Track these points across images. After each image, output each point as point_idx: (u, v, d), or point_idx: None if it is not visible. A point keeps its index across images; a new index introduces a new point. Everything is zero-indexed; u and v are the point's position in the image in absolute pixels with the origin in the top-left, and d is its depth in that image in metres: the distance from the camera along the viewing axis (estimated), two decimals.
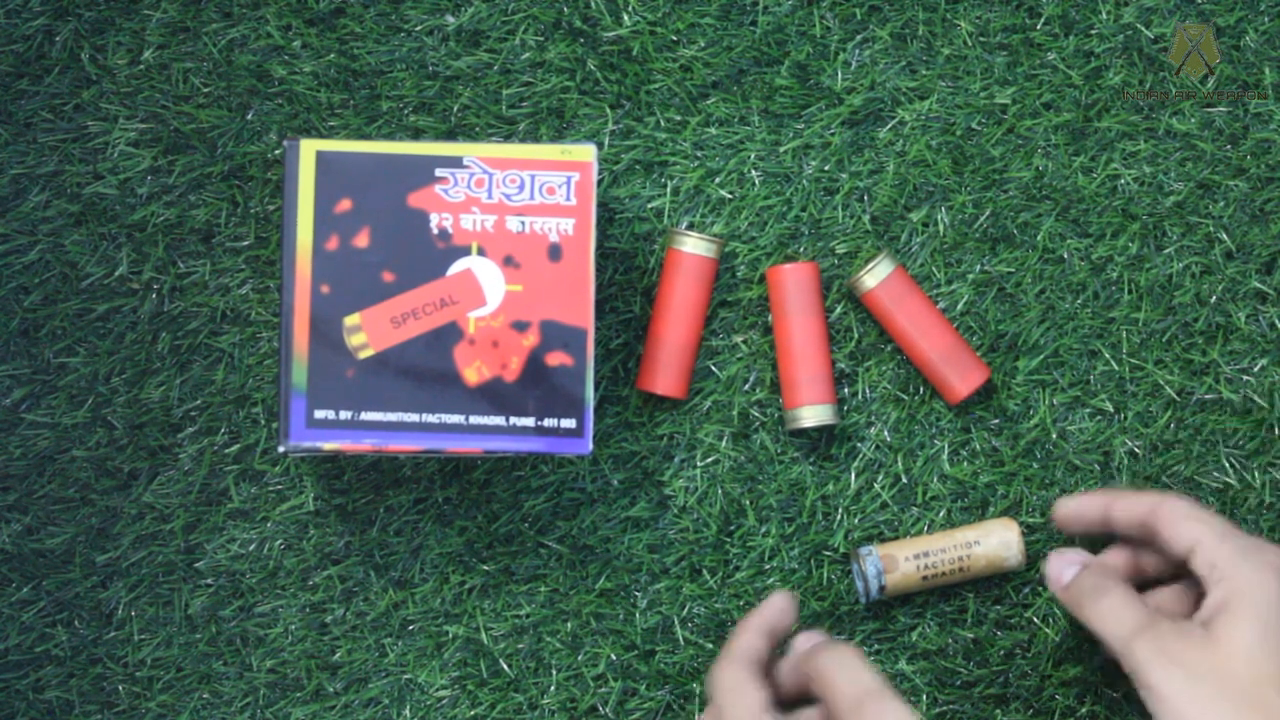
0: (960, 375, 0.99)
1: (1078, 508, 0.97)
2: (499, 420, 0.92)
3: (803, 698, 0.94)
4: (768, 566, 1.00)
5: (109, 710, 1.00)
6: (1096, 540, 1.01)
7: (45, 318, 1.00)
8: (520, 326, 0.92)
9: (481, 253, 0.93)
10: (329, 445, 0.92)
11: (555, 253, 0.93)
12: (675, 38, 1.01)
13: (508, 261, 0.92)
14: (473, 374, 0.92)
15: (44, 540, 1.00)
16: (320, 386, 0.92)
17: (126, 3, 1.00)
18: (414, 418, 0.92)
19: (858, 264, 1.00)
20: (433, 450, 0.92)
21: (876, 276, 0.99)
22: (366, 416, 0.92)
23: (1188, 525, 0.92)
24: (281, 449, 0.92)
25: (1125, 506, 0.95)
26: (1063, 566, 0.96)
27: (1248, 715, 0.87)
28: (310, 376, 0.92)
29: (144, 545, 1.00)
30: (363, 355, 0.92)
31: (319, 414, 0.92)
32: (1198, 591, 0.96)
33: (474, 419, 0.92)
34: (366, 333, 0.92)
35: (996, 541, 0.99)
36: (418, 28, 1.01)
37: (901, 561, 0.98)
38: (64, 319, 1.00)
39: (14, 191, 1.00)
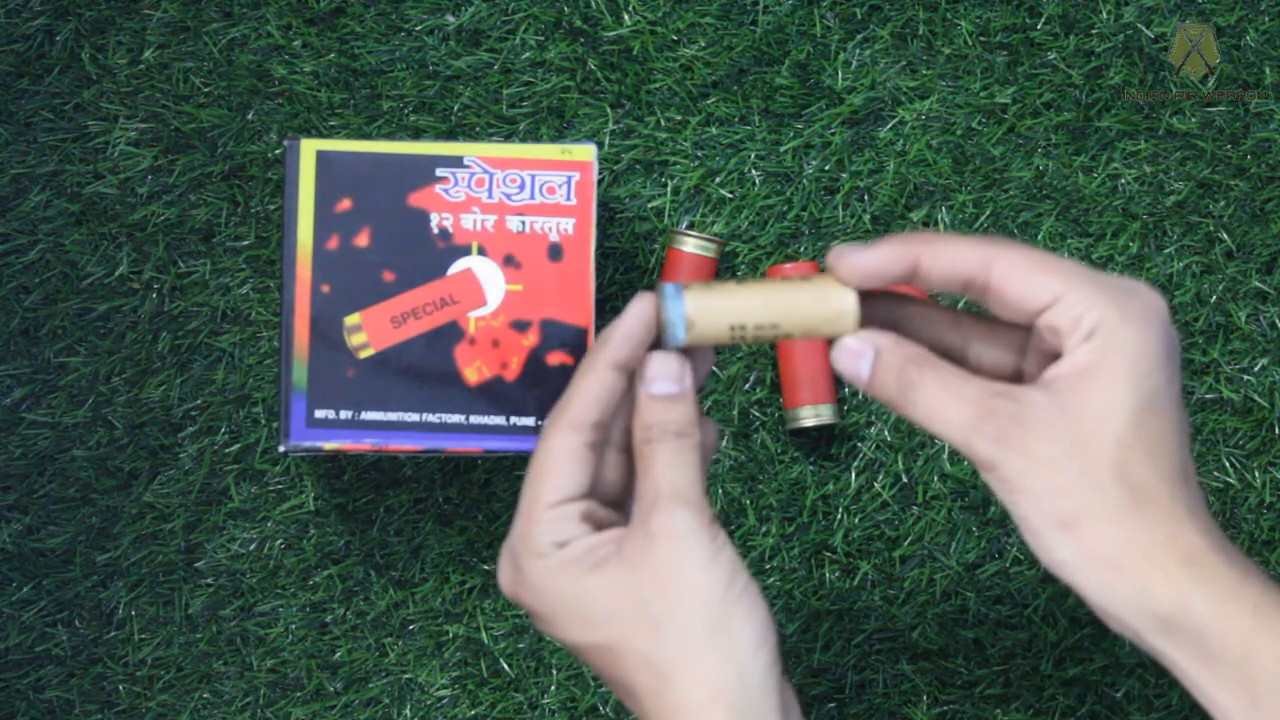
0: None
1: (874, 262, 0.77)
2: (499, 420, 0.92)
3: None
4: (768, 566, 1.00)
5: (109, 710, 1.00)
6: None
7: (45, 317, 1.00)
8: (520, 326, 0.92)
9: (482, 252, 0.93)
10: (329, 445, 0.92)
11: (555, 252, 0.93)
12: (675, 37, 1.01)
13: (508, 261, 0.92)
14: (473, 374, 0.92)
15: (44, 540, 1.00)
16: (320, 386, 0.92)
17: (126, 3, 1.00)
18: (414, 417, 0.92)
19: None
20: (433, 450, 0.92)
21: None
22: (367, 416, 0.92)
23: (1043, 276, 0.76)
24: (281, 449, 0.92)
25: (945, 258, 0.77)
26: (854, 361, 0.78)
27: (1114, 492, 0.74)
28: (310, 376, 0.92)
29: (144, 545, 1.00)
30: (363, 355, 0.92)
31: (319, 414, 0.92)
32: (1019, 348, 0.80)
33: (474, 419, 0.92)
34: (367, 332, 0.92)
35: (828, 311, 0.78)
36: (418, 27, 1.01)
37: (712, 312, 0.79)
38: (64, 319, 1.00)
39: (14, 191, 1.00)
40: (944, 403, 0.76)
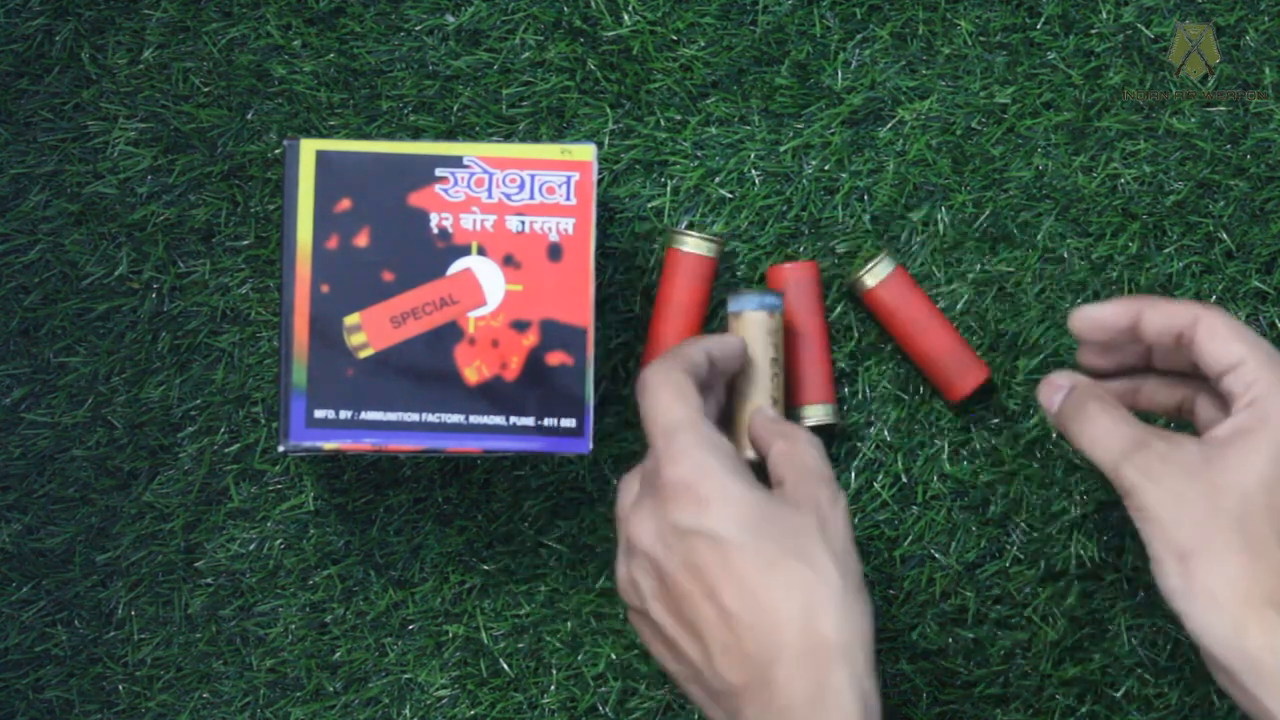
0: (960, 375, 0.99)
1: (1102, 315, 0.91)
2: (499, 420, 0.92)
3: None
4: None
5: (109, 710, 1.00)
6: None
7: (45, 317, 1.00)
8: (520, 326, 0.92)
9: (481, 252, 0.93)
10: (329, 445, 0.92)
11: (555, 252, 0.93)
12: (675, 37, 1.01)
13: (508, 261, 0.92)
14: (473, 373, 0.92)
15: (44, 540, 1.00)
16: (320, 386, 0.92)
17: (126, 2, 1.00)
18: (414, 417, 0.92)
19: (858, 263, 1.00)
20: (433, 450, 0.92)
21: (876, 276, 0.99)
22: (366, 416, 0.92)
23: (1233, 343, 0.88)
24: (281, 449, 0.92)
25: (1161, 315, 0.90)
26: (1052, 393, 0.91)
27: (1230, 537, 0.84)
28: (310, 376, 0.92)
29: (144, 545, 1.00)
30: (363, 355, 0.92)
31: (319, 414, 0.92)
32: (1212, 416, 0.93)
33: (474, 418, 0.92)
34: (366, 332, 0.92)
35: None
36: (418, 27, 1.01)
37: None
38: (64, 319, 1.00)
39: (14, 191, 1.00)
40: (1106, 432, 0.88)
